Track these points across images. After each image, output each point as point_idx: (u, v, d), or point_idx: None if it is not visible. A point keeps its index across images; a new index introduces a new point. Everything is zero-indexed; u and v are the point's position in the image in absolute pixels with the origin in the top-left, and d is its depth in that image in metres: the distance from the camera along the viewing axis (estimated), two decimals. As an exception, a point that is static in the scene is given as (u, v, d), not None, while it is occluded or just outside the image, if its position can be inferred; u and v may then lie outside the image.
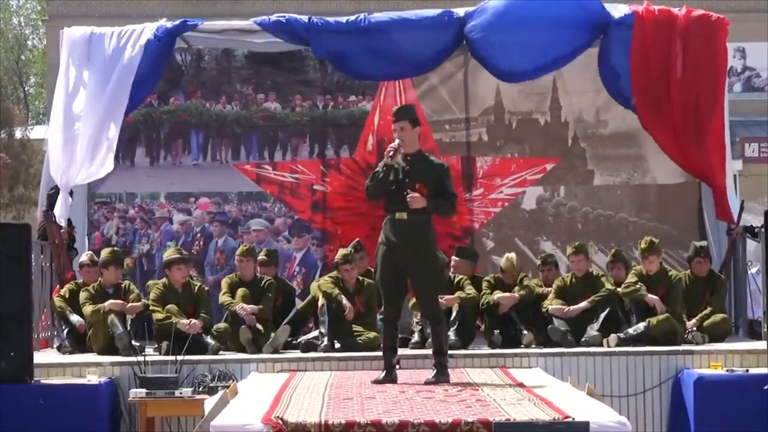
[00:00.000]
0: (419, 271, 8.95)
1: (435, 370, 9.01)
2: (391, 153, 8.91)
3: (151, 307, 11.15)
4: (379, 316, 11.70)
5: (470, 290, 11.52)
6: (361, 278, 11.49)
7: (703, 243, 12.14)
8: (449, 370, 9.10)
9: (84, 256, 11.88)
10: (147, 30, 12.30)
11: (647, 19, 12.15)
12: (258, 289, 11.51)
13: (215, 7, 26.31)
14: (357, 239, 12.02)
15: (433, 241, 9.11)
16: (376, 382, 8.93)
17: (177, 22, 12.42)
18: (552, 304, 11.48)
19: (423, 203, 8.86)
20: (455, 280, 11.64)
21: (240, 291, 11.41)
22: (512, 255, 11.99)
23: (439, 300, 11.15)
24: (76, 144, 12.15)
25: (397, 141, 8.97)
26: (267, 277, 11.72)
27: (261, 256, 11.92)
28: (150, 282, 12.09)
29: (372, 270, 11.93)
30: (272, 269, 12.04)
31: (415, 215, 8.91)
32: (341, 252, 11.57)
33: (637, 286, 11.33)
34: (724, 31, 12.38)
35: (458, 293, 11.45)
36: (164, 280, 11.35)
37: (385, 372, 9.03)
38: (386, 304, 9.13)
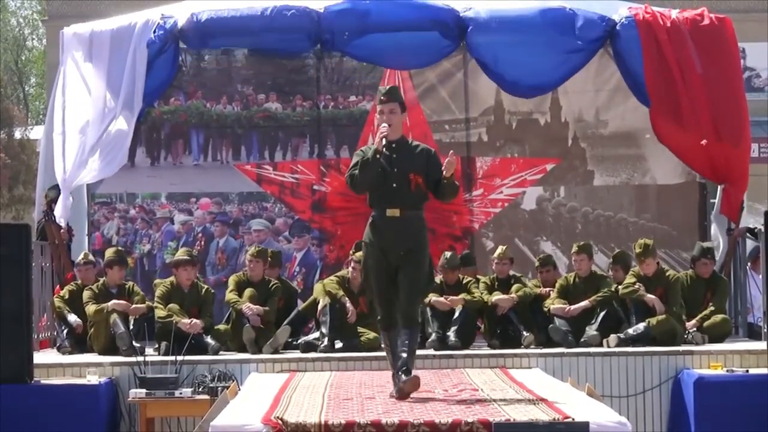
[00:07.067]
0: (411, 269, 7.96)
1: (404, 376, 7.89)
2: (385, 133, 7.89)
3: (155, 304, 11.17)
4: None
5: (476, 293, 11.52)
6: None
7: (710, 244, 12.13)
8: (449, 370, 9.04)
9: (79, 256, 11.88)
10: (148, 27, 12.24)
11: (652, 23, 12.11)
12: (265, 290, 11.52)
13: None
14: (358, 241, 12.00)
15: (427, 239, 8.16)
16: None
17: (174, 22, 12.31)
18: (554, 304, 11.49)
19: (454, 167, 7.82)
20: (463, 281, 11.63)
21: (247, 291, 11.42)
22: (502, 246, 12.05)
23: (444, 300, 11.26)
24: (80, 144, 12.12)
25: (384, 125, 8.03)
26: (274, 280, 11.74)
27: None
28: (157, 281, 12.08)
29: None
30: (272, 270, 12.03)
31: (408, 210, 7.96)
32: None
33: (636, 286, 11.33)
34: (732, 30, 12.38)
35: (463, 295, 11.45)
36: (172, 279, 11.37)
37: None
38: (384, 312, 8.14)
